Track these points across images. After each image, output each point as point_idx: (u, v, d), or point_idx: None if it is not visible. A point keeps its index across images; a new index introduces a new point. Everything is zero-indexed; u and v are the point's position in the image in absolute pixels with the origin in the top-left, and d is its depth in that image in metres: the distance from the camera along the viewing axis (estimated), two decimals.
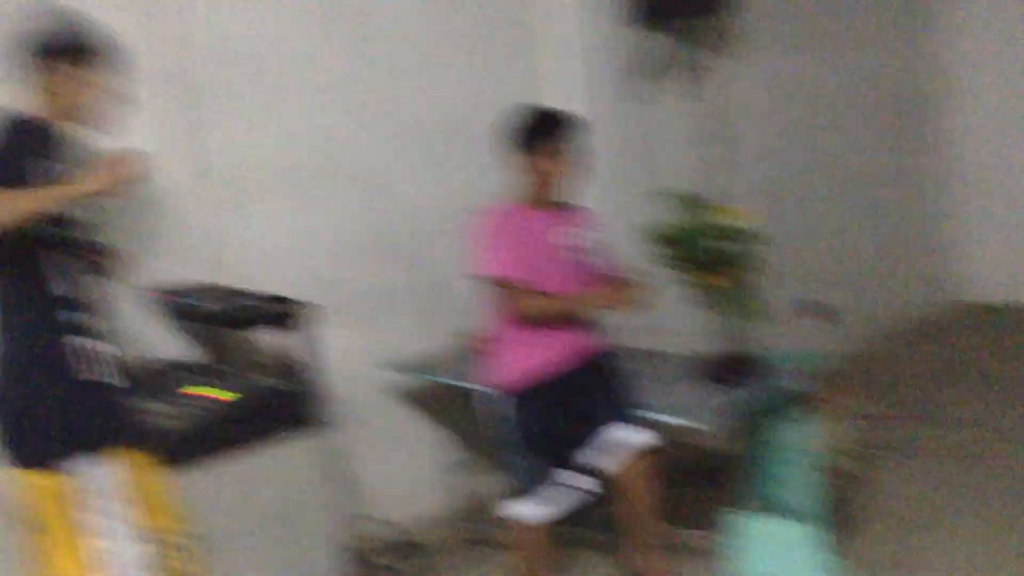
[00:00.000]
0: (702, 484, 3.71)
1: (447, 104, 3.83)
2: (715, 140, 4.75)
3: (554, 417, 2.84)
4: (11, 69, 2.20)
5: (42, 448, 2.04)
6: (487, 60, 3.96)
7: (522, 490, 2.81)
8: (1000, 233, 6.77)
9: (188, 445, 2.50)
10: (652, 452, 2.78)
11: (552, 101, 4.04)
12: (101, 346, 2.12)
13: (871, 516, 3.49)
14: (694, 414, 2.85)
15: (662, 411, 2.82)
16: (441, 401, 3.60)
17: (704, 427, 2.78)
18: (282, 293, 2.93)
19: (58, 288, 2.06)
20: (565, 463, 2.84)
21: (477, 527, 3.56)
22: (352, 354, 3.45)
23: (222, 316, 2.83)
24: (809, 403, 3.24)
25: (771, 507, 3.16)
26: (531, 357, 2.87)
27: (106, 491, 2.06)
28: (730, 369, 2.99)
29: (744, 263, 4.43)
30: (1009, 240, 6.74)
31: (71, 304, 2.08)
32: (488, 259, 2.82)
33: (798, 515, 2.91)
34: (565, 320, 2.89)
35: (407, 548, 3.48)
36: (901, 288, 6.42)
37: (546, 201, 2.93)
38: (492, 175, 3.85)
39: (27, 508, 2.09)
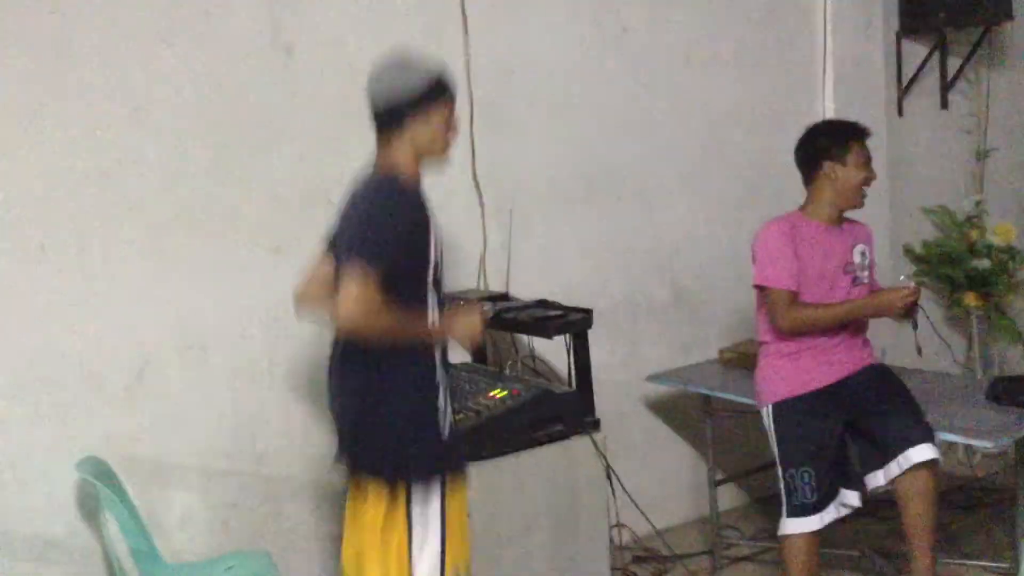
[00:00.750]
0: (976, 511, 3.59)
1: (715, 121, 3.89)
2: (971, 154, 4.58)
3: (830, 429, 2.82)
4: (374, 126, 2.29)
5: (408, 465, 2.21)
6: (757, 77, 3.99)
7: (794, 505, 2.81)
8: None
9: (473, 447, 2.60)
10: (933, 468, 2.72)
11: (826, 115, 4.07)
12: (448, 404, 2.31)
13: None
14: (977, 434, 2.75)
15: (942, 429, 2.75)
16: (699, 413, 3.63)
17: (990, 447, 2.69)
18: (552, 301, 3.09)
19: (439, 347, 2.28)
20: (839, 476, 2.82)
21: (723, 539, 3.58)
22: (613, 365, 3.56)
23: (534, 324, 2.97)
24: None
25: None
26: (802, 369, 2.86)
27: (437, 514, 2.23)
28: (1021, 391, 2.87)
29: (1004, 282, 4.27)
30: None
31: (444, 363, 2.29)
32: (769, 271, 2.85)
33: None
34: (841, 331, 2.87)
35: (657, 558, 3.53)
36: None
37: (834, 216, 2.93)
38: (756, 193, 3.95)
39: (367, 514, 2.27)
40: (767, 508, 3.91)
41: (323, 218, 3.00)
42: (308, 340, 3.02)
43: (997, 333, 4.40)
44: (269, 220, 2.96)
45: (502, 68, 3.39)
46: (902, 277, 2.89)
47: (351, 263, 2.11)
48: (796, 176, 4.01)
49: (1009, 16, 4.14)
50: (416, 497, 2.21)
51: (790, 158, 4.09)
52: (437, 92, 2.25)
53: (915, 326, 2.88)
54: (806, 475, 2.79)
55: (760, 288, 2.91)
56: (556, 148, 3.54)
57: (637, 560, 3.55)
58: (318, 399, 3.05)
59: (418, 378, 2.23)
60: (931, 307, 4.37)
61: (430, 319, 2.25)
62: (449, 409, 2.28)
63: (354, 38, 3.05)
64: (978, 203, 4.39)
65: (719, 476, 3.57)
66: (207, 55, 2.84)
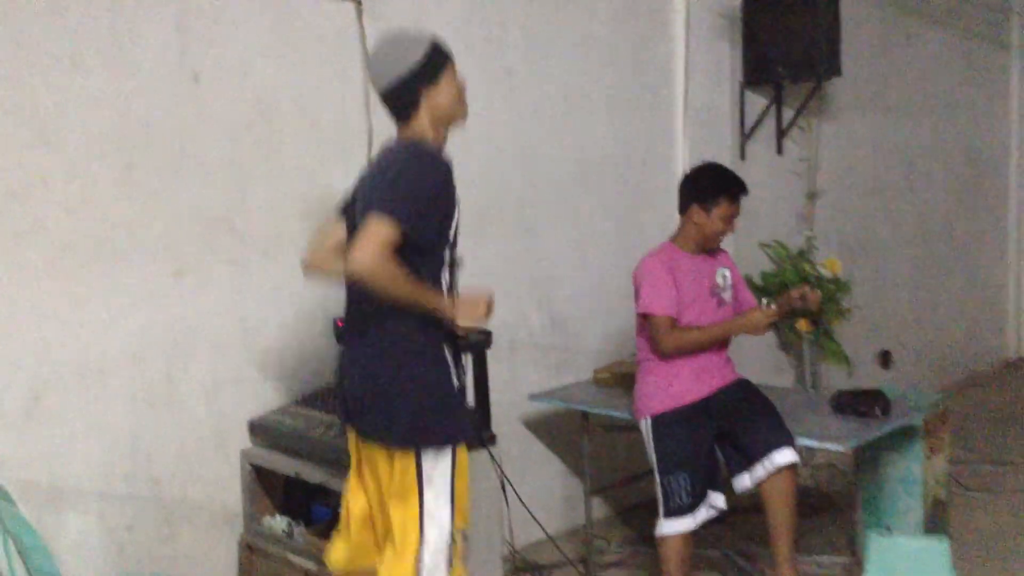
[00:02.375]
0: (813, 515, 4.01)
1: (589, 159, 4.18)
2: (802, 195, 5.11)
3: (703, 438, 3.12)
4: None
5: (423, 432, 2.29)
6: (625, 120, 4.32)
7: (670, 507, 3.08)
8: None
9: None
10: (794, 471, 3.06)
11: (680, 155, 4.47)
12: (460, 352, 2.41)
13: (966, 542, 3.75)
14: (829, 439, 3.13)
15: (799, 435, 3.10)
16: (574, 430, 3.88)
17: (841, 449, 3.06)
18: None
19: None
20: (709, 481, 3.12)
21: (595, 547, 3.82)
22: (494, 386, 3.74)
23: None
24: (921, 437, 3.54)
25: (888, 529, 3.46)
26: (677, 384, 3.16)
27: (447, 480, 2.31)
28: (861, 403, 3.28)
29: (830, 310, 4.78)
30: None
31: (444, 316, 2.33)
32: (652, 300, 3.14)
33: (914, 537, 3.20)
34: (710, 350, 3.19)
35: (535, 568, 3.74)
36: (968, 340, 6.74)
37: (701, 248, 3.26)
38: (624, 227, 4.27)
39: (390, 485, 2.34)
40: (633, 518, 4.23)
41: (226, 242, 3.10)
42: (207, 364, 3.08)
43: (825, 355, 4.93)
44: (172, 243, 2.99)
45: None
46: (764, 301, 3.23)
47: (375, 214, 2.13)
48: (659, 212, 4.42)
49: (838, 73, 4.67)
50: (428, 463, 2.28)
51: (654, 195, 4.50)
52: (439, 56, 2.32)
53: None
54: (682, 480, 3.07)
55: (643, 315, 3.20)
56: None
57: (517, 571, 3.74)
58: (215, 422, 3.11)
59: (433, 346, 2.30)
60: (767, 333, 4.86)
61: (444, 280, 2.32)
62: (460, 377, 2.37)
63: (260, 66, 3.14)
64: (809, 239, 4.91)
65: (592, 488, 3.82)
66: (115, 79, 2.85)
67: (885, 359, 5.86)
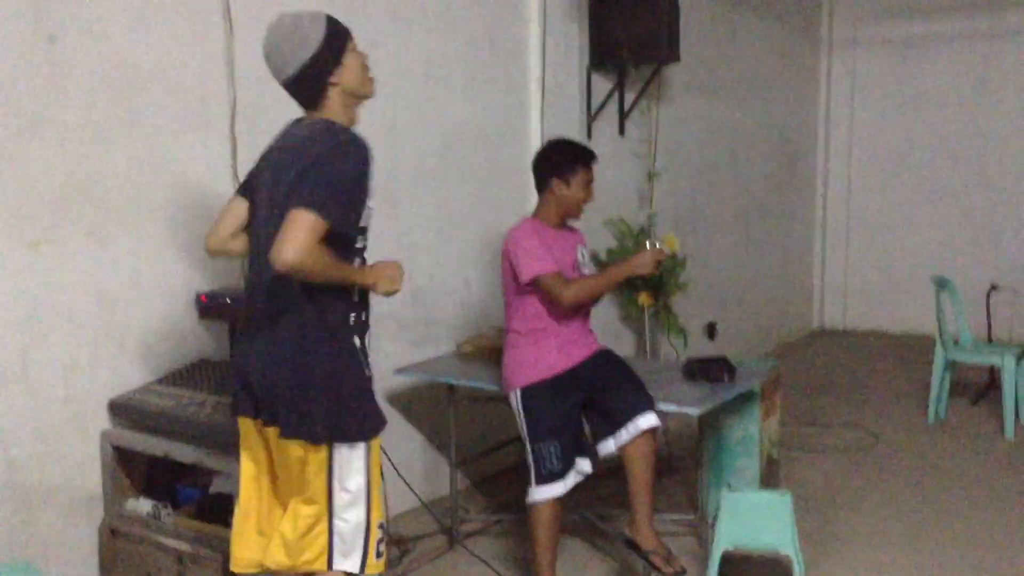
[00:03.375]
0: (661, 473, 4.27)
1: (448, 133, 4.22)
2: (643, 175, 5.37)
3: (565, 407, 3.27)
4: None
5: (339, 428, 2.27)
6: (482, 97, 4.40)
7: (538, 474, 3.22)
8: (853, 269, 7.84)
9: None
10: (655, 435, 3.27)
11: (534, 133, 4.60)
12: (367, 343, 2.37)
13: (795, 496, 4.12)
14: (685, 403, 3.35)
15: (658, 400, 3.31)
16: (438, 403, 3.94)
17: (697, 412, 3.29)
18: None
19: (356, 292, 2.32)
20: (577, 448, 3.28)
21: (460, 516, 3.92)
22: None
23: None
24: (758, 400, 3.85)
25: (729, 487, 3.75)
26: (546, 356, 3.29)
27: (363, 474, 2.31)
28: (711, 369, 3.53)
29: (671, 284, 5.08)
30: (860, 276, 7.81)
31: (364, 306, 2.34)
32: (535, 263, 3.23)
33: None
34: (573, 323, 3.34)
35: (400, 540, 3.79)
36: (779, 312, 7.31)
37: (560, 221, 3.40)
38: (480, 202, 4.35)
39: (302, 476, 2.30)
40: (492, 487, 4.36)
41: (84, 211, 2.94)
42: (65, 341, 2.92)
43: (663, 327, 5.22)
44: (27, 212, 2.81)
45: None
46: (656, 243, 3.37)
47: (300, 209, 2.09)
48: (514, 188, 4.54)
49: (677, 58, 4.94)
50: (343, 458, 2.27)
51: (509, 171, 4.61)
52: (339, 34, 2.27)
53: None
54: (553, 447, 3.21)
55: (531, 282, 3.27)
56: None
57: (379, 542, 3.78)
58: (74, 402, 2.96)
59: (345, 338, 2.27)
60: (609, 306, 5.11)
61: (355, 262, 2.30)
62: (370, 368, 2.34)
63: (120, 29, 2.99)
64: (651, 216, 5.17)
65: (457, 459, 3.91)
66: None
67: (711, 330, 6.27)
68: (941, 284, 5.38)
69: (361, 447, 2.31)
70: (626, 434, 3.22)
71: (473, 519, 4.03)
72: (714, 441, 3.92)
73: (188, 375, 3.10)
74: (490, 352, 3.80)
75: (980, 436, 5.10)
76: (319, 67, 2.23)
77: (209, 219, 2.58)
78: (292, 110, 3.51)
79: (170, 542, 2.91)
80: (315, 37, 2.23)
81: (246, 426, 2.41)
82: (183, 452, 2.89)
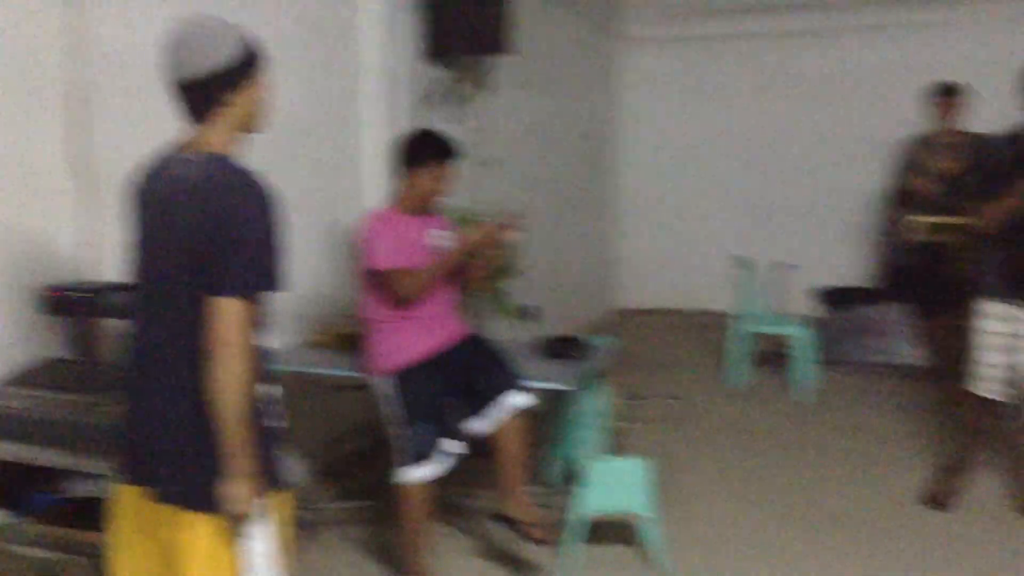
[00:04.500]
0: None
1: (283, 119, 4.12)
2: (479, 164, 5.50)
3: (436, 390, 3.34)
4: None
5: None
6: (317, 78, 4.34)
7: (410, 457, 3.28)
8: (652, 253, 8.38)
9: None
10: (525, 412, 3.41)
11: (366, 120, 4.60)
12: (273, 391, 2.11)
13: None
14: (551, 380, 3.52)
15: (527, 378, 3.45)
16: (291, 393, 3.88)
17: (565, 387, 3.46)
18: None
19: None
20: (447, 429, 3.36)
21: (311, 509, 3.89)
22: None
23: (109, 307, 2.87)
24: (604, 375, 4.09)
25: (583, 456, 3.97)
26: (412, 340, 3.36)
27: (264, 532, 2.05)
28: (566, 348, 3.71)
29: (503, 270, 5.24)
30: (658, 259, 8.36)
31: (261, 351, 2.06)
32: (380, 255, 3.29)
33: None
34: (437, 307, 3.42)
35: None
36: (587, 294, 7.69)
37: (417, 208, 3.46)
38: (318, 189, 4.30)
39: (194, 550, 2.04)
40: (343, 475, 4.34)
41: None
42: None
43: (499, 311, 5.38)
44: None
45: (115, 48, 3.27)
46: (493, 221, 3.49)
47: (230, 302, 1.90)
48: (349, 177, 4.53)
49: (508, 50, 5.09)
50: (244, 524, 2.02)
51: (343, 161, 4.59)
52: (255, 58, 2.07)
53: None
54: (425, 429, 3.28)
55: (374, 273, 3.32)
56: (159, 136, 3.49)
57: None
58: None
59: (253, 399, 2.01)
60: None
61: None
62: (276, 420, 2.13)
63: None
64: (487, 203, 5.30)
65: (309, 450, 3.88)
66: None
67: (535, 313, 6.51)
68: (740, 262, 5.90)
69: (263, 510, 2.04)
70: (498, 413, 3.33)
71: (325, 509, 4.01)
72: (563, 416, 4.13)
73: (41, 375, 2.89)
74: (347, 340, 3.79)
75: (775, 399, 5.66)
76: (223, 80, 2.01)
77: (45, 207, 2.37)
78: (131, 95, 3.31)
79: (28, 551, 2.72)
80: (233, 49, 2.02)
81: (130, 497, 2.15)
82: (44, 456, 2.70)
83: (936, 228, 5.54)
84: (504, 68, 5.67)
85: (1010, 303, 3.74)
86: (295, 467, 2.22)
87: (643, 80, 8.19)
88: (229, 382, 1.92)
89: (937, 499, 4.05)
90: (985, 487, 4.18)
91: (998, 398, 3.84)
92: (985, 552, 3.62)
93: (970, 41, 7.06)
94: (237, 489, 1.96)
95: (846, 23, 7.53)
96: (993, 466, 4.36)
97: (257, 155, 3.88)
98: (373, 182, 4.68)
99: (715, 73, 8.02)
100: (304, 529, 3.76)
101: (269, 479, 2.05)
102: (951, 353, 4.16)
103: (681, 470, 4.46)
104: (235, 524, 2.00)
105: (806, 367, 5.69)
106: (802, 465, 4.56)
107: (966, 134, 5.80)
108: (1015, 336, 3.73)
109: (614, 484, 3.47)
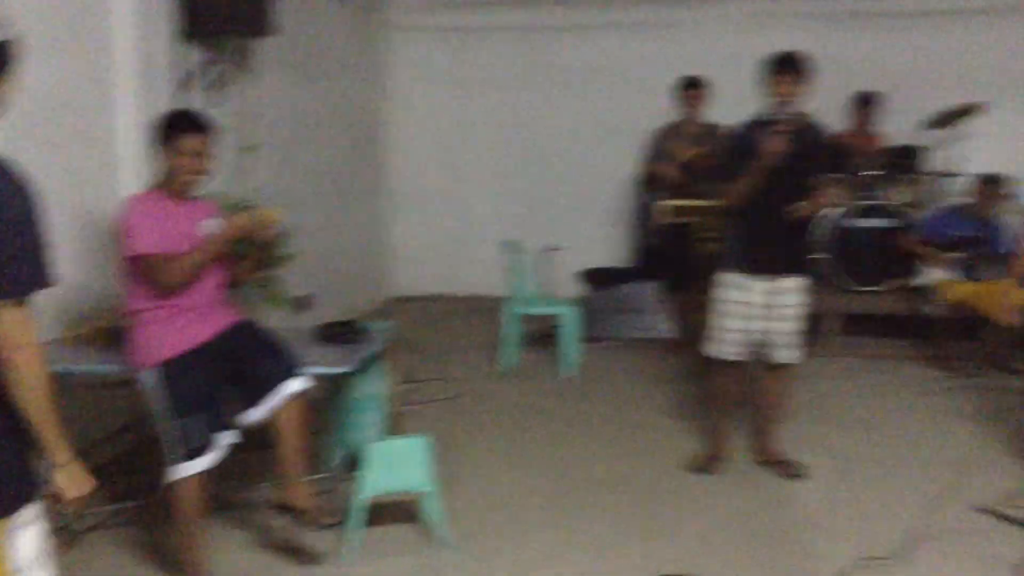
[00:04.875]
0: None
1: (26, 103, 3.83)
2: (238, 148, 5.33)
3: (206, 381, 3.24)
4: None
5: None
6: (61, 54, 4.05)
7: (181, 452, 3.16)
8: (424, 239, 8.47)
9: None
10: (304, 398, 3.37)
11: (121, 103, 4.35)
12: None
13: None
14: (331, 365, 3.50)
15: (305, 364, 3.42)
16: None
17: (347, 370, 3.46)
18: None
19: None
20: (218, 421, 3.26)
21: (70, 515, 3.66)
22: None
23: None
24: (382, 359, 4.12)
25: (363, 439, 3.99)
26: (177, 330, 3.23)
27: (33, 534, 2.03)
28: (341, 332, 3.71)
29: (273, 259, 5.14)
30: (430, 245, 8.47)
31: None
32: (140, 241, 3.14)
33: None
34: (205, 294, 3.31)
35: None
36: (360, 282, 7.66)
37: (179, 192, 3.33)
38: (67, 169, 4.02)
39: None
40: (100, 478, 4.09)
41: None
42: None
43: (268, 300, 5.26)
44: None
45: None
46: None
47: (10, 311, 1.85)
48: (101, 161, 4.28)
49: (270, 32, 4.97)
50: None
51: (96, 144, 4.34)
52: (12, 52, 1.97)
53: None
54: (197, 422, 3.17)
55: (134, 260, 3.17)
56: None
57: None
58: None
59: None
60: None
61: None
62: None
63: None
64: (252, 190, 5.17)
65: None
66: None
67: (306, 301, 6.41)
68: (510, 247, 6.11)
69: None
70: (276, 400, 3.28)
71: (91, 514, 3.78)
72: (341, 401, 4.12)
73: None
74: (108, 334, 3.59)
75: (545, 376, 5.92)
76: None
77: None
78: None
79: None
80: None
81: None
82: None
83: (680, 210, 6.01)
84: (267, 51, 5.54)
85: (745, 274, 4.14)
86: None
87: (411, 68, 8.25)
88: (35, 383, 1.92)
89: (700, 464, 4.39)
90: (734, 443, 4.60)
91: (736, 358, 4.23)
92: (731, 504, 3.99)
93: (713, 38, 7.67)
94: (67, 477, 2.02)
95: (604, 19, 7.95)
96: (741, 423, 4.82)
97: (11, 145, 3.64)
98: (130, 167, 4.44)
99: (482, 63, 8.21)
100: (70, 534, 3.54)
101: (32, 484, 2.01)
102: (698, 325, 4.53)
103: (460, 448, 4.58)
104: (68, 511, 2.08)
105: (573, 345, 5.98)
106: (572, 436, 4.81)
107: (708, 124, 6.33)
108: (748, 304, 4.14)
109: (394, 464, 3.51)
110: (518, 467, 4.39)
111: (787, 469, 4.25)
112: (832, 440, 4.70)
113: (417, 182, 8.41)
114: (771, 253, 4.09)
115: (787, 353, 4.19)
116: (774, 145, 3.89)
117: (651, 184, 6.50)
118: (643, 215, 6.82)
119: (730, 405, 4.44)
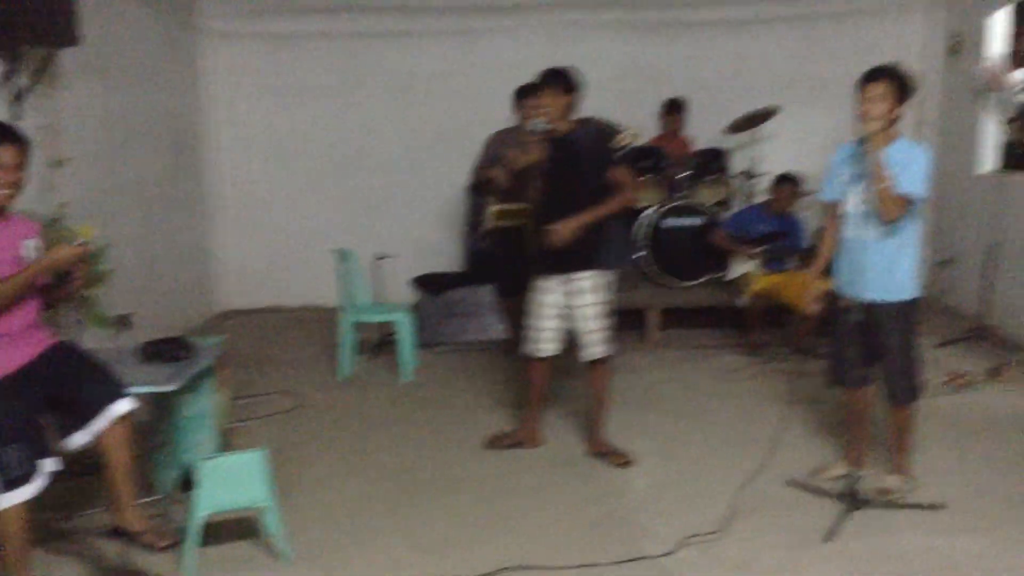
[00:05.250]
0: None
1: None
2: (47, 162, 5.06)
3: (25, 407, 3.08)
4: None
5: None
6: None
7: (7, 480, 2.98)
8: (251, 251, 8.28)
9: None
10: (129, 419, 3.25)
11: None
12: None
13: None
14: (156, 383, 3.41)
15: (130, 384, 3.31)
16: None
17: (172, 387, 3.37)
18: None
19: None
20: (40, 448, 3.11)
21: None
22: None
23: None
24: (213, 377, 4.04)
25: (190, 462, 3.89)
26: None
27: None
28: (168, 350, 3.60)
29: (91, 280, 4.92)
30: (257, 256, 8.29)
31: None
32: None
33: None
34: (18, 320, 3.16)
35: None
36: (186, 296, 7.41)
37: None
38: None
39: None
40: None
41: None
42: None
43: (88, 320, 5.03)
44: None
45: None
46: (31, 244, 3.28)
47: None
48: None
49: (75, 41, 4.75)
50: None
51: None
52: None
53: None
54: (16, 451, 3.01)
55: None
56: None
57: None
58: None
59: None
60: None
61: None
62: None
63: None
64: (61, 206, 4.91)
65: None
66: None
67: (126, 320, 6.15)
68: (341, 256, 6.09)
69: None
70: (101, 423, 3.17)
71: None
72: (168, 420, 4.00)
73: None
74: None
75: (383, 383, 5.95)
76: None
77: None
78: None
79: None
80: None
81: None
82: None
83: (510, 215, 6.17)
84: (72, 61, 5.29)
85: (543, 275, 4.38)
86: None
87: (232, 75, 8.04)
88: None
89: (497, 442, 4.64)
90: (564, 437, 4.79)
91: (547, 355, 4.47)
92: (567, 495, 4.16)
93: (534, 46, 7.89)
94: None
95: (426, 27, 8.03)
96: (575, 416, 5.01)
97: None
98: None
99: (305, 70, 8.11)
100: None
101: None
102: (523, 326, 4.71)
103: (301, 460, 4.54)
104: None
105: (409, 351, 6.03)
106: (412, 441, 4.86)
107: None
108: (552, 304, 4.39)
109: (231, 481, 3.44)
110: (360, 475, 4.40)
111: (617, 458, 4.47)
112: (658, 427, 4.97)
113: (244, 192, 8.21)
114: (560, 252, 4.28)
115: (596, 349, 4.41)
116: (517, 155, 4.18)
117: (483, 189, 6.63)
118: (474, 220, 6.95)
119: (539, 398, 4.65)
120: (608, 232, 4.36)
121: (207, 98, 8.00)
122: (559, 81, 4.23)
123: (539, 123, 4.23)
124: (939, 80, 7.83)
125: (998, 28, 7.08)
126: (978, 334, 6.54)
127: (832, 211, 3.96)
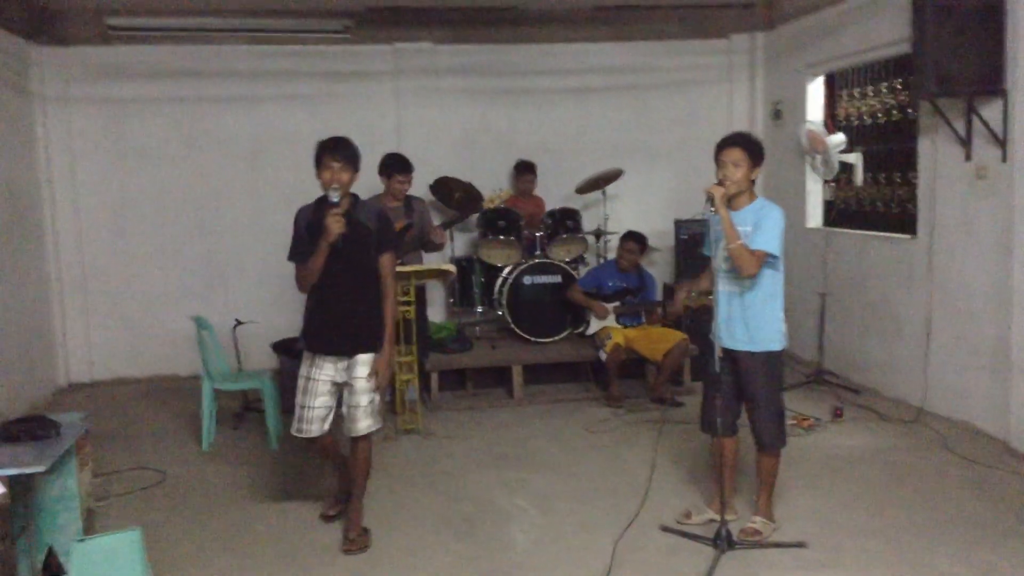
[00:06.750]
0: None
1: None
2: None
3: None
4: None
5: None
6: None
7: None
8: (94, 322, 7.87)
9: None
10: None
11: None
12: None
13: None
14: (27, 464, 3.22)
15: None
16: None
17: (43, 470, 3.18)
18: None
19: None
20: None
21: None
22: None
23: None
24: (74, 454, 3.84)
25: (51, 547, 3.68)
26: None
27: None
28: (35, 427, 3.41)
29: None
30: (102, 328, 7.88)
31: None
32: None
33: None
34: None
35: None
36: (26, 371, 6.95)
37: None
38: None
39: None
40: None
41: None
42: None
43: None
44: None
45: None
46: None
47: None
48: None
49: None
50: None
51: None
52: None
53: None
54: None
55: None
56: None
57: None
58: None
59: None
60: None
61: None
62: None
63: None
64: None
65: None
66: None
67: None
68: (200, 324, 5.91)
69: None
70: None
71: None
72: (26, 504, 3.76)
73: None
74: None
75: (248, 451, 5.78)
76: None
77: None
78: None
79: None
80: None
81: None
82: None
83: None
84: None
85: (315, 352, 4.23)
86: None
87: (71, 141, 7.70)
88: None
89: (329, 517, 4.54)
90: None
91: (317, 435, 4.23)
92: (442, 555, 4.16)
93: (382, 111, 8.01)
94: None
95: (268, 92, 7.95)
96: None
97: None
98: None
99: (147, 135, 7.86)
100: None
101: None
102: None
103: (172, 536, 4.35)
104: None
105: (275, 418, 5.89)
106: (284, 509, 4.75)
107: (408, 197, 6.52)
108: (316, 380, 4.20)
109: (105, 563, 3.27)
110: (233, 548, 4.25)
111: (353, 544, 4.20)
112: (531, 482, 5.06)
113: (86, 259, 7.82)
114: (339, 333, 4.18)
115: (363, 424, 4.22)
116: (332, 225, 4.01)
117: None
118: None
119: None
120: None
121: (45, 164, 7.64)
122: (345, 152, 4.19)
123: (336, 193, 4.10)
124: (766, 142, 8.44)
125: (814, 96, 7.76)
126: (817, 378, 7.04)
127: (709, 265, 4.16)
